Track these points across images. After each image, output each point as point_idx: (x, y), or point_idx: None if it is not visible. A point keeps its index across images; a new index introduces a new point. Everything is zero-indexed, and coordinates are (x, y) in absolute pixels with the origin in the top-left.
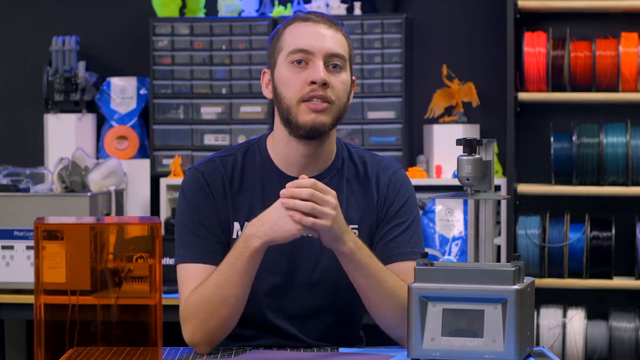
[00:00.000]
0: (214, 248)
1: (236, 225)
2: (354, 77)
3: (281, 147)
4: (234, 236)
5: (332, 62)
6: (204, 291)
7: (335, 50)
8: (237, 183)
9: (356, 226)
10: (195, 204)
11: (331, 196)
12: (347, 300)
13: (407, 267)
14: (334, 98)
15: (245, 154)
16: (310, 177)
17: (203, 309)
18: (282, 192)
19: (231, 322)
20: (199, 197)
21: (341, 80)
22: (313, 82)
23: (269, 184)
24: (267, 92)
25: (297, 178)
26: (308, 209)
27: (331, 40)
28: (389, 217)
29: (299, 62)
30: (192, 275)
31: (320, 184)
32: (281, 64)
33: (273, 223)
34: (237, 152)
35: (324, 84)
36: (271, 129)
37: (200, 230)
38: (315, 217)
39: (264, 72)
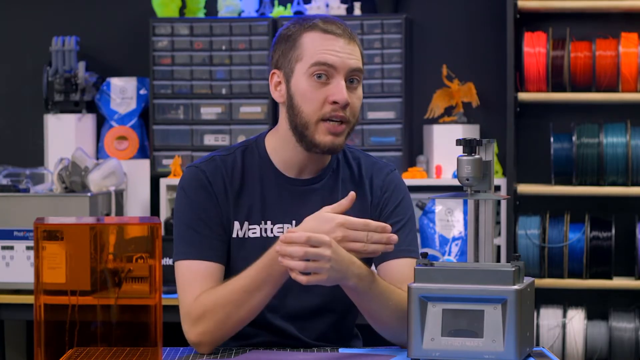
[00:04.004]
0: (216, 245)
1: (236, 224)
2: None
3: (283, 150)
4: (234, 235)
5: (351, 77)
6: (224, 293)
7: (356, 66)
8: (237, 182)
9: None
10: (197, 201)
11: (325, 247)
12: (345, 300)
13: (401, 265)
14: (352, 118)
15: (244, 153)
16: (307, 179)
17: (222, 310)
18: (277, 249)
19: (244, 324)
20: (201, 194)
21: (358, 97)
22: (335, 102)
23: (267, 184)
24: (278, 96)
25: (294, 179)
26: (302, 268)
27: (352, 55)
28: (384, 217)
29: (320, 76)
30: (195, 273)
31: (314, 237)
32: (301, 75)
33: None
34: (236, 151)
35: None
36: (271, 128)
37: (202, 227)
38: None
39: (274, 72)
